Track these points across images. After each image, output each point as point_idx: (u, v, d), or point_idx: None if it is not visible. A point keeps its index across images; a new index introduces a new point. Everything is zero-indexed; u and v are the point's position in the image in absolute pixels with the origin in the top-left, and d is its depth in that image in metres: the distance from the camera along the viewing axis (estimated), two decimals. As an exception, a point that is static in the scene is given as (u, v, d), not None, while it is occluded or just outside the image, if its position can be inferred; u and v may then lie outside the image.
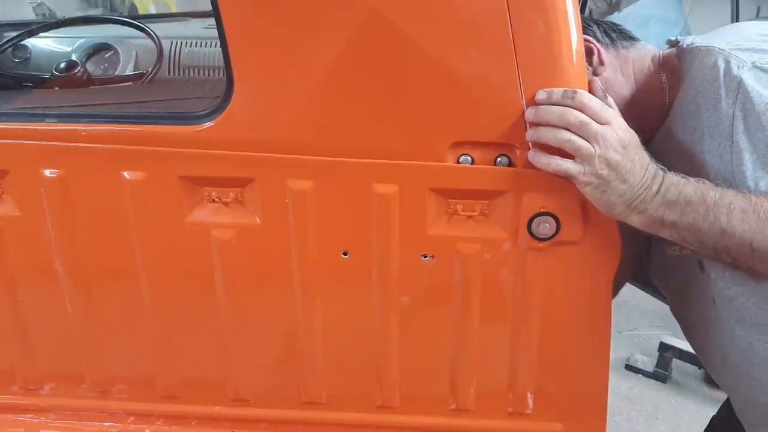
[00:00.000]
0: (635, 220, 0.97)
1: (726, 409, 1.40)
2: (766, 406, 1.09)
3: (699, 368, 2.85)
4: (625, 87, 1.17)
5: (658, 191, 0.95)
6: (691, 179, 0.96)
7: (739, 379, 1.11)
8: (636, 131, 0.98)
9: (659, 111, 1.13)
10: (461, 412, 1.18)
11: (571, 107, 0.94)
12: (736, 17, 2.64)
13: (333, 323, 1.13)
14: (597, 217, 1.02)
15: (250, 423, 1.23)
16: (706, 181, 0.96)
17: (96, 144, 1.06)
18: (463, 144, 1.02)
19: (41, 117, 1.11)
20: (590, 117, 0.93)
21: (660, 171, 0.96)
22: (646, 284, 1.42)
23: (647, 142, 1.12)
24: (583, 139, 0.93)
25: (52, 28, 1.96)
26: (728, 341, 1.08)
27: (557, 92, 0.95)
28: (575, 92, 0.94)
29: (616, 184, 0.94)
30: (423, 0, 0.96)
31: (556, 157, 0.96)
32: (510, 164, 1.02)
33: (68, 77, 1.70)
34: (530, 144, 0.99)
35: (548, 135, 0.95)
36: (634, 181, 0.94)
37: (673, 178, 0.96)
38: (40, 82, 1.76)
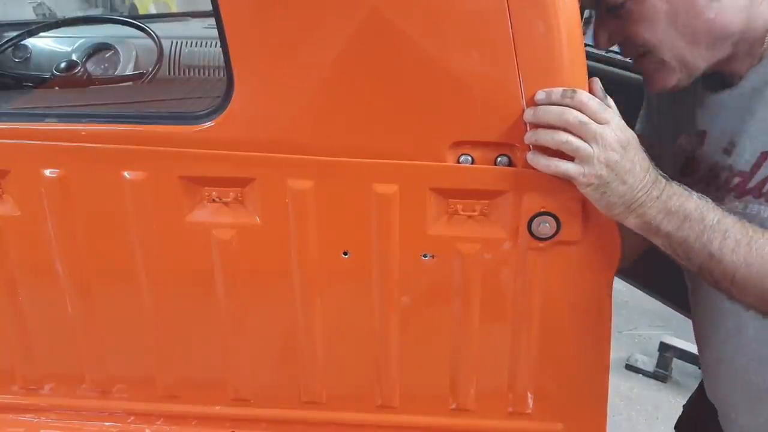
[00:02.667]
0: (632, 223, 0.97)
1: (696, 395, 1.38)
2: (751, 384, 1.08)
3: (699, 368, 2.84)
4: (738, 16, 1.00)
5: (659, 197, 0.95)
6: (694, 194, 0.96)
7: (726, 352, 1.11)
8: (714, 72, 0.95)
9: (747, 63, 1.04)
10: (461, 412, 1.18)
11: (570, 107, 0.94)
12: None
13: (333, 323, 1.13)
14: (597, 217, 1.02)
15: (250, 423, 1.23)
16: (708, 200, 0.96)
17: (96, 144, 1.06)
18: (463, 144, 1.02)
19: (41, 117, 1.11)
20: (589, 117, 0.93)
21: (662, 177, 0.96)
22: (646, 284, 1.42)
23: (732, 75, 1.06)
24: (582, 139, 0.93)
25: (52, 28, 1.95)
26: (729, 305, 1.05)
27: (556, 92, 0.95)
28: (574, 92, 0.94)
29: (616, 185, 0.94)
30: (423, 0, 0.96)
31: (556, 158, 0.95)
32: (510, 164, 1.02)
33: (68, 77, 1.70)
34: (530, 145, 0.99)
35: (546, 137, 0.95)
36: (634, 182, 0.94)
37: (675, 188, 0.96)
38: (40, 82, 1.76)
